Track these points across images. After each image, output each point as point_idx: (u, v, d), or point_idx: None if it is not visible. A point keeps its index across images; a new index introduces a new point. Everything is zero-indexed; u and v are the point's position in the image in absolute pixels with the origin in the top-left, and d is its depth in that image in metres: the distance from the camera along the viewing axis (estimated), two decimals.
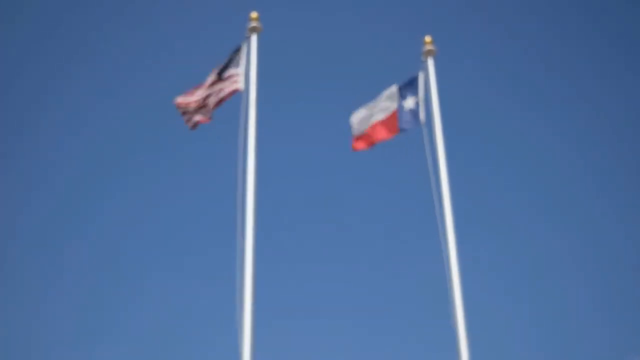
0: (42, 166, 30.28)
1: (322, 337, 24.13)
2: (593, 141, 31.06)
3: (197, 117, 14.84)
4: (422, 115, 14.86)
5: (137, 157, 30.94)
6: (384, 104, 15.40)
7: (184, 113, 14.83)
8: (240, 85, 14.54)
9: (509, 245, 27.66)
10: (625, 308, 25.11)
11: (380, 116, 15.38)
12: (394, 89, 15.46)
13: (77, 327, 25.35)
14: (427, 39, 15.59)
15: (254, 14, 15.18)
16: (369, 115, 15.48)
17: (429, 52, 15.50)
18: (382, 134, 15.26)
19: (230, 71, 14.71)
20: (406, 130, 15.04)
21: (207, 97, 14.78)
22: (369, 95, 15.66)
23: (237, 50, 14.94)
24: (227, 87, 14.64)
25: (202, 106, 14.78)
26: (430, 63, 15.39)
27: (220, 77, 14.78)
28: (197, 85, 14.98)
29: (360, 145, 15.45)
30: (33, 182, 29.68)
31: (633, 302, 24.86)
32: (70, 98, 31.92)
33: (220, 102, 14.70)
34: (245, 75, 14.57)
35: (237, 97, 14.49)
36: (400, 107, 15.20)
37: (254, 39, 14.96)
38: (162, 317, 25.76)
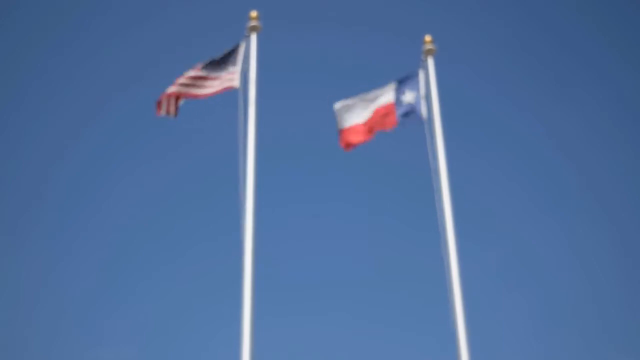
0: (41, 165, 30.30)
1: (322, 336, 24.14)
2: (594, 140, 31.10)
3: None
4: (424, 111, 14.82)
5: (137, 156, 30.95)
6: (379, 98, 15.25)
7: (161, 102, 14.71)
8: (235, 83, 14.49)
9: (509, 243, 27.68)
10: (623, 310, 25.13)
11: (374, 110, 15.17)
12: (391, 84, 15.39)
13: (77, 327, 25.36)
14: (427, 38, 15.60)
15: (253, 13, 15.15)
16: (360, 109, 15.26)
17: (429, 51, 15.50)
18: (378, 127, 15.06)
19: (229, 68, 14.65)
20: (405, 126, 14.97)
21: (196, 83, 14.66)
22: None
23: (235, 48, 14.88)
24: (222, 83, 14.54)
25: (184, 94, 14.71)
26: (430, 62, 15.40)
27: (214, 71, 14.70)
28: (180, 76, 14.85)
29: (351, 139, 15.07)
30: (31, 182, 29.69)
31: (631, 304, 24.89)
32: (71, 98, 31.96)
33: (212, 94, 14.59)
34: (245, 74, 14.54)
35: (236, 97, 14.49)
36: (398, 101, 15.12)
37: (253, 38, 14.95)
38: (162, 317, 25.77)
